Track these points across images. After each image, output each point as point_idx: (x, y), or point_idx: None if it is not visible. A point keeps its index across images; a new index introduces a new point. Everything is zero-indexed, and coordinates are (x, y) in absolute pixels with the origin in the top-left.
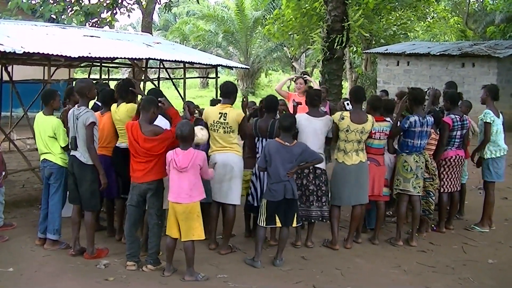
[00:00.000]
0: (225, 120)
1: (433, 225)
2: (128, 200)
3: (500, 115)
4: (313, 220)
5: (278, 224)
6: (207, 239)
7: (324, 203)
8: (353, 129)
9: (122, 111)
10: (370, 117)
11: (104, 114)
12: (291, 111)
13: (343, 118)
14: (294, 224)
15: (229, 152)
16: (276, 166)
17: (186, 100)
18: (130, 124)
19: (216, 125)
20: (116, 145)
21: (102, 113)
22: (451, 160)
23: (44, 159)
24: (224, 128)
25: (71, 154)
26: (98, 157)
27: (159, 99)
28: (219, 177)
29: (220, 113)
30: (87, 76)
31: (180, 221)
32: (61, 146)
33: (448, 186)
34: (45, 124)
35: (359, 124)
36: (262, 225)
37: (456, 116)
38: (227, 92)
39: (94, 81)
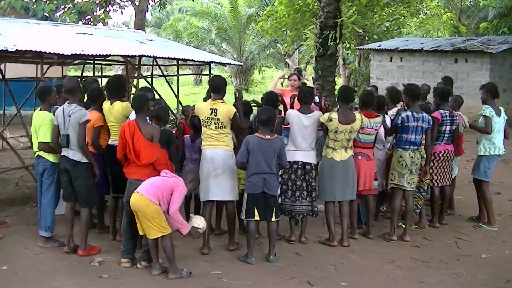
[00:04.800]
0: (215, 115)
1: (426, 221)
2: (125, 197)
3: (502, 113)
4: (297, 215)
5: (257, 217)
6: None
7: (314, 198)
8: (342, 130)
9: (117, 109)
10: (358, 115)
11: (91, 112)
12: (288, 107)
13: (331, 120)
14: (273, 219)
15: (219, 148)
16: (257, 160)
17: (182, 101)
18: (126, 124)
19: (208, 121)
20: (109, 143)
21: (89, 111)
22: (440, 154)
23: (38, 155)
24: (216, 124)
25: (62, 154)
26: (90, 153)
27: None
28: (207, 173)
29: (211, 108)
30: (80, 74)
31: (140, 217)
32: (38, 141)
33: (438, 181)
34: (38, 118)
35: (347, 125)
36: (243, 218)
37: (446, 111)
38: (217, 87)
39: (84, 79)
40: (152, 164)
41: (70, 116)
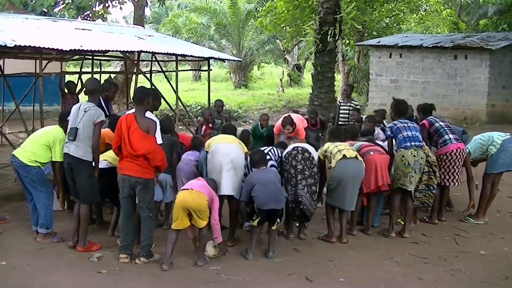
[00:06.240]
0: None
1: (425, 217)
2: (120, 193)
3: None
4: (299, 198)
5: (266, 227)
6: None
7: (310, 194)
8: (339, 144)
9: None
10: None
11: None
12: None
13: (325, 151)
14: (274, 227)
15: (232, 144)
16: (260, 177)
17: (181, 97)
18: (124, 117)
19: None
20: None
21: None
22: (452, 154)
23: (13, 154)
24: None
25: (64, 152)
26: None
27: None
28: (220, 167)
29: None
30: (79, 69)
31: (193, 213)
32: (53, 160)
33: (454, 180)
34: (51, 132)
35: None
36: (255, 224)
37: (430, 117)
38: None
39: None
40: (146, 159)
41: (85, 112)
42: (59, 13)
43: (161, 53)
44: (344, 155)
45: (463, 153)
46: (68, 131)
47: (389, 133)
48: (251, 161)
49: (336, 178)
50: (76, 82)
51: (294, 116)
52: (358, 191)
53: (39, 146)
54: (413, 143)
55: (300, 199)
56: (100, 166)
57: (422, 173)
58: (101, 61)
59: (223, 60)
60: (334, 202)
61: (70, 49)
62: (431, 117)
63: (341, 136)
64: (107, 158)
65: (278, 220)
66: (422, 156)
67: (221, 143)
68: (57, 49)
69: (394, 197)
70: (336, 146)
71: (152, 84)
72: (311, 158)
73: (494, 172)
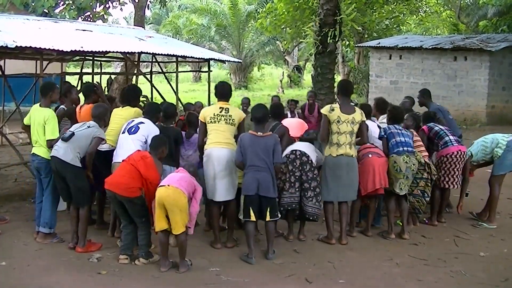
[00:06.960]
0: (227, 113)
1: (425, 219)
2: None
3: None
4: (294, 205)
5: (253, 218)
6: (207, 231)
7: (312, 197)
8: (344, 120)
9: (128, 113)
10: (357, 109)
11: (83, 107)
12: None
13: (333, 110)
14: (268, 219)
15: (226, 148)
16: (250, 155)
17: (181, 98)
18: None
19: (217, 117)
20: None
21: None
22: (453, 156)
23: (33, 153)
24: (226, 120)
25: (51, 155)
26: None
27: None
28: (214, 174)
29: (220, 107)
30: (79, 70)
31: (168, 211)
32: (46, 139)
33: (453, 183)
34: (39, 114)
35: (348, 115)
36: (241, 217)
37: (429, 123)
38: (224, 93)
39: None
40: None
41: (88, 127)
42: (60, 14)
43: (161, 54)
44: (338, 154)
45: (464, 155)
46: (65, 134)
47: (382, 133)
48: (252, 117)
49: (328, 167)
50: (75, 83)
51: (293, 122)
52: (357, 182)
53: (42, 131)
54: (405, 148)
55: (294, 206)
56: (102, 149)
57: (420, 179)
58: (102, 62)
59: (223, 61)
60: (331, 195)
61: (71, 50)
62: (432, 124)
63: (351, 92)
64: (107, 140)
65: (277, 213)
66: (414, 163)
67: (215, 148)
68: (58, 50)
69: (388, 200)
70: (338, 133)
71: (152, 85)
72: (309, 161)
73: (501, 173)
